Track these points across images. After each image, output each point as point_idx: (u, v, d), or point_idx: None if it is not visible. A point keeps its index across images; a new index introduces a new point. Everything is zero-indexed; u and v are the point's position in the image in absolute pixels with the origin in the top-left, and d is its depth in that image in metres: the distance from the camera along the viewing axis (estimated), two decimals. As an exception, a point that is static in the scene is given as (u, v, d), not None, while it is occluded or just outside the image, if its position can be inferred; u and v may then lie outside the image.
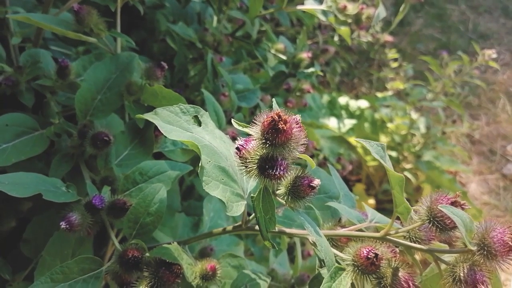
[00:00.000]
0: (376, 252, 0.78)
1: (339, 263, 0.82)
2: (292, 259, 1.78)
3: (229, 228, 1.02)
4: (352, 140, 3.65)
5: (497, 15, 6.30)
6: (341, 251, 0.86)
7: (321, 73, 1.98)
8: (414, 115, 3.72)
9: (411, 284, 0.78)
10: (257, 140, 0.73)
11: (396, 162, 3.67)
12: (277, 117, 0.69)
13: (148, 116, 0.89)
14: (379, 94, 4.31)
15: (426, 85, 3.71)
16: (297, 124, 0.74)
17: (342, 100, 3.91)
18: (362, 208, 1.02)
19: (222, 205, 1.50)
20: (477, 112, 5.04)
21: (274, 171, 0.72)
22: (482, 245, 0.72)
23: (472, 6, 6.40)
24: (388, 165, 0.74)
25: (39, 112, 1.32)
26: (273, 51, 2.00)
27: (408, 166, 3.69)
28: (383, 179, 3.82)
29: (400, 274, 0.79)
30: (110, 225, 1.05)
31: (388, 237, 0.82)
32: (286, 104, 1.89)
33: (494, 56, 3.15)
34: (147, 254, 0.95)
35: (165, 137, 1.27)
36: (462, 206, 0.76)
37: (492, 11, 6.36)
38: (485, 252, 0.72)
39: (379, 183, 3.84)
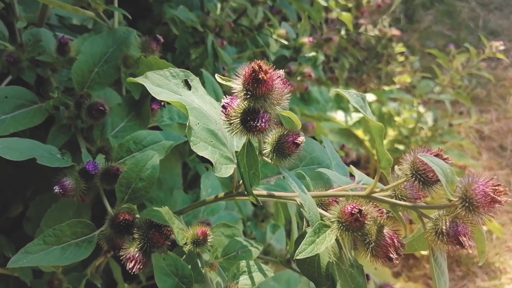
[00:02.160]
0: (360, 208, 0.78)
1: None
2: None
3: (221, 195, 1.03)
4: (360, 133, 3.65)
5: (508, 12, 6.25)
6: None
7: (321, 57, 1.99)
8: (422, 109, 3.70)
9: (395, 241, 0.78)
10: (239, 93, 0.74)
11: (403, 154, 3.66)
12: (257, 67, 0.70)
13: (139, 80, 0.90)
14: (386, 87, 4.29)
15: (433, 78, 3.69)
16: (280, 78, 0.75)
17: (349, 94, 3.90)
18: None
19: (220, 181, 1.51)
20: (487, 107, 5.00)
21: (256, 122, 0.73)
22: (464, 197, 0.72)
23: (483, 3, 6.36)
24: (369, 115, 0.74)
25: (39, 89, 1.35)
26: (275, 36, 2.01)
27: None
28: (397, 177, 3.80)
29: (385, 231, 0.79)
30: (104, 192, 1.07)
31: (373, 195, 0.83)
32: (287, 88, 1.89)
33: (502, 48, 3.13)
34: (138, 216, 0.96)
35: (162, 111, 1.29)
36: (445, 160, 0.77)
37: (503, 8, 6.31)
38: (466, 204, 0.72)
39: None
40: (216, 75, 0.84)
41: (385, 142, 3.77)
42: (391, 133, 3.76)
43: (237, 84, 0.74)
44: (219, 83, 1.63)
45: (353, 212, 0.78)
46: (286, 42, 1.98)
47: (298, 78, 1.94)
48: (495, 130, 4.70)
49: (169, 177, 1.77)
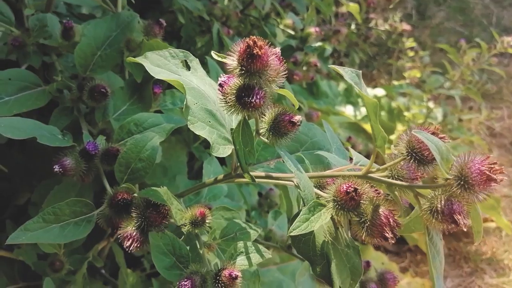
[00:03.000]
0: (356, 186, 0.78)
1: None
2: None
3: (220, 177, 1.03)
4: (369, 127, 3.63)
5: (522, 8, 6.18)
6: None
7: (327, 47, 1.98)
8: (431, 104, 3.68)
9: (391, 220, 0.78)
10: (234, 70, 0.74)
11: (412, 151, 3.63)
12: (252, 43, 0.70)
13: (139, 59, 0.91)
14: (396, 82, 4.27)
15: (443, 73, 3.67)
16: (275, 55, 0.75)
17: (359, 88, 3.89)
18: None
19: (224, 168, 1.52)
20: (499, 104, 4.94)
21: (250, 98, 0.73)
22: (459, 175, 0.72)
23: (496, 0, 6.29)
24: (364, 92, 0.74)
25: (45, 74, 1.36)
26: (281, 26, 2.01)
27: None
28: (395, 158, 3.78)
29: (380, 210, 0.78)
30: (105, 173, 1.07)
31: (369, 175, 0.82)
32: (293, 77, 1.90)
33: (514, 43, 3.09)
34: (135, 195, 0.96)
35: (165, 95, 1.30)
36: (442, 139, 0.76)
37: (517, 5, 6.24)
38: (462, 183, 0.71)
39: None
40: (212, 52, 0.84)
41: (393, 137, 3.75)
42: (400, 128, 3.73)
43: (232, 61, 0.74)
44: (224, 72, 1.64)
45: (348, 191, 0.77)
46: (292, 32, 1.98)
47: (304, 68, 1.93)
48: (507, 127, 4.65)
49: (174, 164, 1.78)
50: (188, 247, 1.01)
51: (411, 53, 4.03)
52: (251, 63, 0.71)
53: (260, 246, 0.98)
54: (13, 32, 1.36)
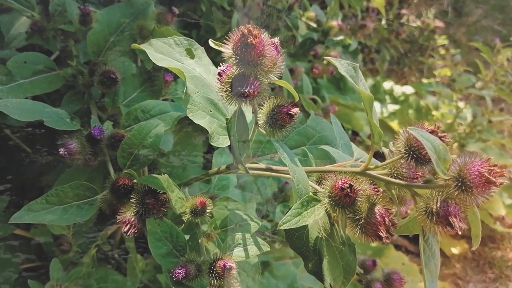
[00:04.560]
0: (351, 183, 0.76)
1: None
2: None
3: (223, 167, 1.03)
4: (395, 125, 3.57)
5: None
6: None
7: (350, 41, 1.95)
8: (461, 104, 3.58)
9: (386, 219, 0.76)
10: (229, 58, 0.73)
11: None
12: (246, 31, 0.69)
13: (143, 46, 0.91)
14: (425, 80, 4.17)
15: (475, 72, 3.56)
16: (273, 45, 0.74)
17: (387, 85, 3.82)
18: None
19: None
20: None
21: (244, 88, 0.72)
22: (457, 176, 0.69)
23: (539, -2, 6.06)
24: (361, 86, 0.72)
25: (61, 59, 1.38)
26: (304, 19, 1.98)
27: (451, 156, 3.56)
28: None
29: (376, 209, 0.77)
30: (111, 158, 1.08)
31: (367, 172, 0.80)
32: (312, 70, 1.87)
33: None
34: (135, 181, 0.97)
35: (176, 83, 1.30)
36: (442, 138, 0.74)
37: (561, 4, 6.00)
38: (459, 184, 0.69)
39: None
40: (210, 40, 0.83)
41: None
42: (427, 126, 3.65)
43: (227, 49, 0.73)
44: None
45: (343, 187, 0.76)
46: (315, 25, 1.95)
47: (325, 61, 1.91)
48: (542, 131, 4.49)
49: (188, 154, 1.79)
50: (188, 236, 1.02)
51: (442, 51, 3.93)
52: (245, 52, 0.70)
53: (259, 239, 0.97)
54: (34, 16, 1.38)
